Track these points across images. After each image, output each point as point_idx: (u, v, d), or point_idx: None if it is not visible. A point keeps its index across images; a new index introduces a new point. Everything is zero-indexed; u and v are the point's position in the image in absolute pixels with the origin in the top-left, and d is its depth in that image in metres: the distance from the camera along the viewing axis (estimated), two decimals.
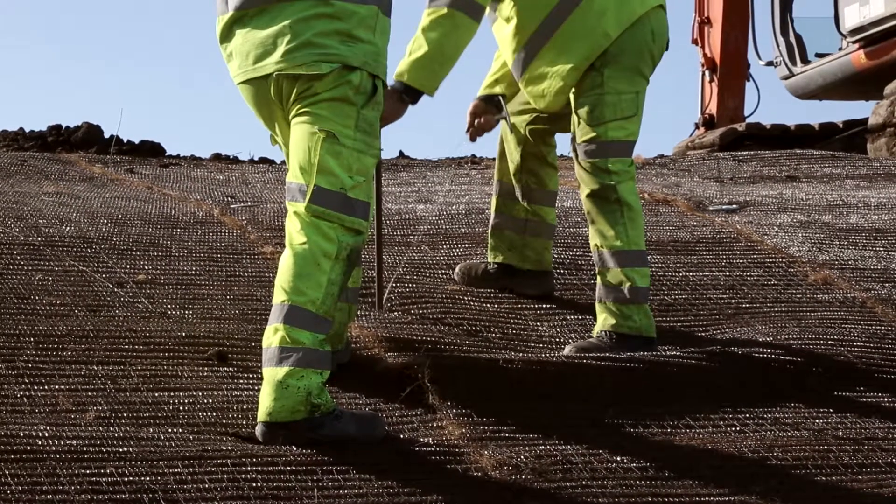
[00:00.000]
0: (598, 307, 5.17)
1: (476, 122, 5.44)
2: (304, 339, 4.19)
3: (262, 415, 4.20)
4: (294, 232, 4.29)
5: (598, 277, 5.17)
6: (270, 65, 4.37)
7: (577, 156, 5.21)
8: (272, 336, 4.22)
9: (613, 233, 5.11)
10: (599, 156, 5.14)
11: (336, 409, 4.23)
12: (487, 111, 5.44)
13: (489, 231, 5.68)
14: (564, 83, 5.17)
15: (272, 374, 4.18)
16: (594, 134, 5.14)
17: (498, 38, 5.32)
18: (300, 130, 4.35)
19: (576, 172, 5.23)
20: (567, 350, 5.05)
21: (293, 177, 4.35)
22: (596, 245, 5.17)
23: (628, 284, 5.08)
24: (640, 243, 5.14)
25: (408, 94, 4.80)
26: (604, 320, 5.13)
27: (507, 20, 5.24)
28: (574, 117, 5.21)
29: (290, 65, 4.34)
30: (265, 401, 4.19)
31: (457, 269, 5.77)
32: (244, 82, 4.47)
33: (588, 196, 5.17)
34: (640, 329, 5.08)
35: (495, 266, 5.65)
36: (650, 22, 5.18)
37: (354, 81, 4.32)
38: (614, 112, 5.13)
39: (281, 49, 4.35)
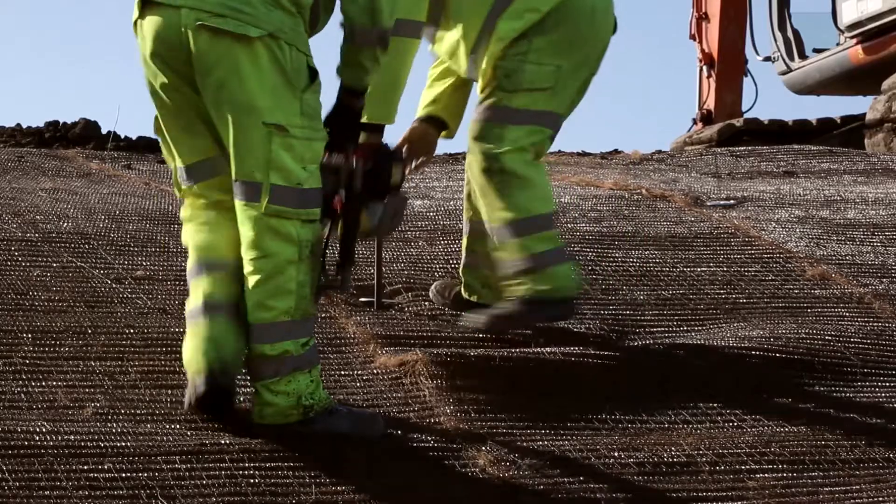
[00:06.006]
0: (508, 281, 5.02)
1: (413, 155, 5.18)
2: (286, 348, 4.13)
3: (255, 416, 4.19)
4: (249, 242, 4.13)
5: (499, 253, 5.00)
6: None
7: (475, 118, 5.00)
8: (253, 352, 4.16)
9: (503, 204, 4.94)
10: (497, 120, 4.96)
11: (332, 406, 4.21)
12: (428, 134, 5.21)
13: (461, 269, 5.36)
14: (493, 50, 4.97)
15: (260, 383, 4.16)
16: (499, 97, 4.96)
17: (444, 49, 5.13)
18: (240, 124, 4.10)
19: (468, 141, 5.03)
20: (475, 317, 4.96)
21: (242, 175, 4.12)
22: (489, 221, 4.99)
23: (527, 254, 4.93)
24: (533, 209, 4.95)
25: (369, 129, 4.71)
26: (515, 290, 4.98)
27: (450, 28, 5.06)
28: (488, 75, 5.00)
29: (204, 10, 4.05)
30: (257, 405, 4.18)
31: (432, 289, 5.47)
32: (148, 6, 4.14)
33: (476, 172, 4.99)
34: (546, 293, 4.93)
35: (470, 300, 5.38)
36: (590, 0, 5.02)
37: (283, 60, 4.09)
38: (531, 82, 4.96)
39: None
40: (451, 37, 5.08)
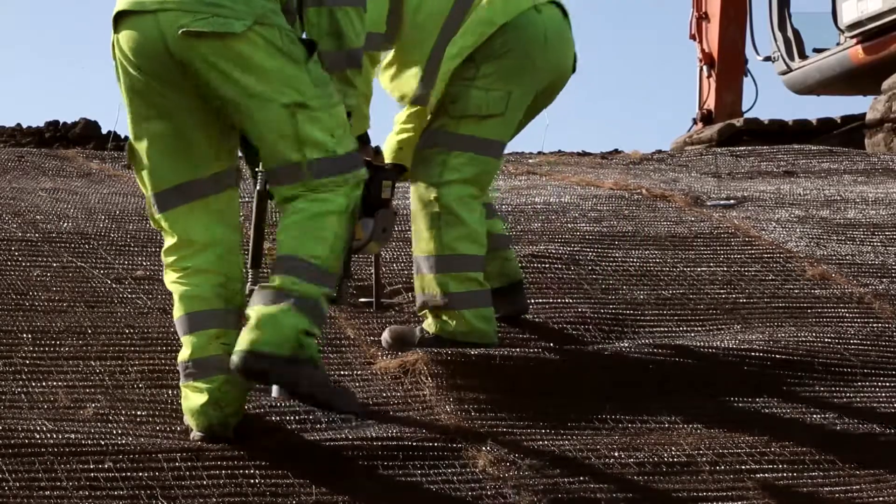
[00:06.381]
0: (421, 312, 4.99)
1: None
2: (307, 289, 4.03)
3: (242, 344, 4.00)
4: (294, 206, 4.11)
5: (415, 283, 4.97)
6: (154, 2, 4.03)
7: (419, 145, 4.94)
8: (270, 282, 4.07)
9: (427, 236, 4.89)
10: (442, 146, 4.88)
11: (321, 361, 4.11)
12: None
13: None
14: (444, 70, 4.89)
15: (262, 310, 4.01)
16: (444, 123, 4.89)
17: (395, 78, 5.01)
18: (259, 114, 4.08)
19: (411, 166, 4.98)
20: (385, 334, 4.94)
21: (279, 161, 4.11)
22: (414, 250, 4.96)
23: (440, 291, 4.87)
24: (458, 247, 4.87)
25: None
26: (427, 323, 4.94)
27: (403, 47, 4.94)
28: (436, 100, 4.93)
29: (182, 10, 4.01)
30: (249, 334, 4.00)
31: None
32: (124, 17, 4.12)
33: (413, 197, 4.94)
34: (455, 335, 4.87)
35: None
36: (543, 22, 4.90)
37: (276, 41, 4.05)
38: (478, 108, 4.86)
39: None
40: (404, 55, 4.97)
